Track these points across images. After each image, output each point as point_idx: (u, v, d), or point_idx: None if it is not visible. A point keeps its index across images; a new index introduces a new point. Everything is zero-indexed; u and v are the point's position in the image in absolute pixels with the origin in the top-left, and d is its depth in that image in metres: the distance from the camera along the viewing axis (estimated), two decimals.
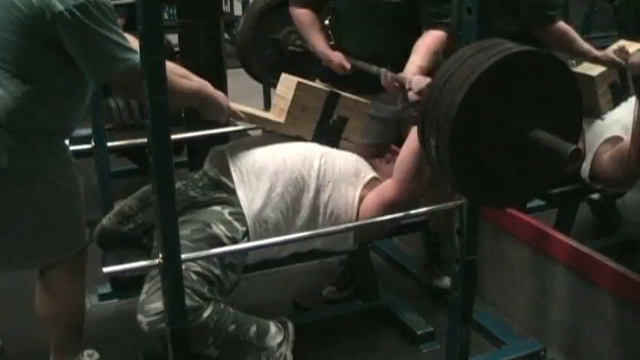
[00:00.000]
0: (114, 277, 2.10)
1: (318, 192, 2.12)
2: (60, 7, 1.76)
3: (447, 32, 2.29)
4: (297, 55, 2.65)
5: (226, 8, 7.68)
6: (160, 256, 1.47)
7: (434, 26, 2.29)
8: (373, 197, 2.16)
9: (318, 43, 2.47)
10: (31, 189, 1.94)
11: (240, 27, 2.70)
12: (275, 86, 2.47)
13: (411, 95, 2.03)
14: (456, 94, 1.39)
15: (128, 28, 2.97)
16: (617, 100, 2.76)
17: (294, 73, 2.37)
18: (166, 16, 6.43)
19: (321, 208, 2.13)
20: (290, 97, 2.20)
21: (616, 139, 2.62)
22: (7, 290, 2.74)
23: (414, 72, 2.17)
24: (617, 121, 2.68)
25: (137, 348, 2.37)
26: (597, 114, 2.73)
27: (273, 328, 2.09)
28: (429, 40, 2.28)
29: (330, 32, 2.69)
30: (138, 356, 2.37)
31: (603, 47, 2.74)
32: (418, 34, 2.31)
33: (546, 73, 1.46)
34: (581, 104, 1.54)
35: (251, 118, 2.24)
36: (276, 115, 2.24)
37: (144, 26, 1.31)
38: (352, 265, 2.81)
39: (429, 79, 1.92)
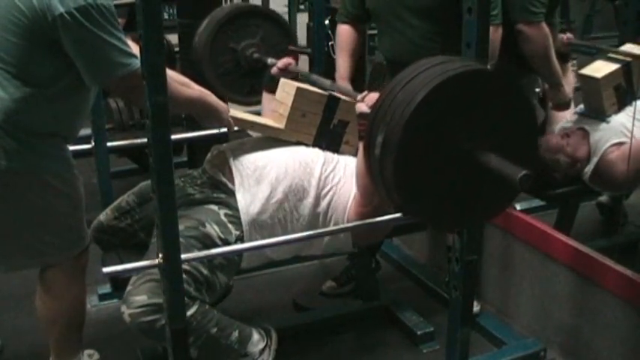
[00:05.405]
0: (114, 277, 2.09)
1: (318, 200, 2.10)
2: (60, 9, 1.75)
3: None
4: (253, 68, 2.58)
5: None
6: (160, 256, 1.47)
7: None
8: (351, 209, 2.13)
9: (340, 68, 2.61)
10: (30, 191, 1.94)
11: (200, 29, 2.64)
12: (222, 95, 2.46)
13: (360, 106, 1.98)
14: (413, 99, 1.36)
15: (128, 28, 2.97)
16: (621, 103, 2.76)
17: (247, 86, 2.38)
18: (166, 16, 6.42)
19: (321, 216, 2.11)
20: (289, 103, 2.18)
21: (623, 144, 2.62)
22: (7, 290, 2.75)
23: None
24: (622, 124, 2.68)
25: (137, 348, 2.37)
26: (601, 116, 2.73)
27: (255, 335, 2.07)
28: None
29: (329, 32, 2.74)
30: (138, 356, 2.37)
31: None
32: (450, 34, 2.26)
33: (501, 94, 1.43)
34: (535, 128, 1.51)
35: (251, 125, 2.22)
36: (276, 120, 2.22)
37: (144, 26, 1.31)
38: (353, 265, 2.81)
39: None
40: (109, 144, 2.91)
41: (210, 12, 2.61)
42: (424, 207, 1.48)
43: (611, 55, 2.83)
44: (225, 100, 2.22)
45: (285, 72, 2.31)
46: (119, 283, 2.04)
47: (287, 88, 2.24)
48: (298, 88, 2.19)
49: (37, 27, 1.79)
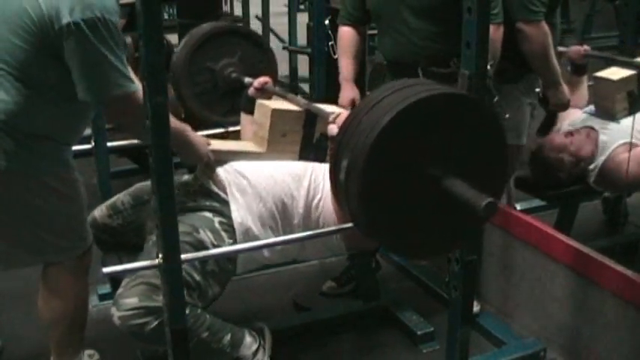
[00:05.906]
0: (114, 277, 2.10)
1: (308, 209, 2.09)
2: (68, 18, 1.75)
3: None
4: (232, 88, 2.57)
5: (226, 8, 7.69)
6: (160, 256, 1.47)
7: None
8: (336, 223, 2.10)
9: (343, 70, 2.59)
10: (29, 192, 1.94)
11: (179, 48, 2.60)
12: (198, 114, 2.45)
13: (332, 128, 1.96)
14: (378, 123, 1.35)
15: (128, 28, 2.97)
16: (632, 109, 2.76)
17: (226, 105, 2.40)
18: (166, 16, 6.43)
19: (312, 224, 2.10)
20: (267, 125, 2.15)
21: (632, 144, 2.63)
22: (7, 290, 2.74)
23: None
24: (629, 126, 2.68)
25: (137, 348, 2.37)
26: (611, 118, 2.74)
27: (247, 338, 2.07)
28: None
29: (329, 32, 2.78)
30: (138, 356, 2.37)
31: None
32: (451, 34, 2.16)
33: (470, 119, 1.42)
34: (506, 153, 1.49)
35: (232, 154, 2.18)
36: (258, 144, 2.20)
37: (144, 26, 1.31)
38: (353, 265, 2.81)
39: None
40: (109, 144, 2.91)
41: (210, 11, 2.62)
42: (389, 233, 1.46)
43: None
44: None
45: (262, 91, 2.28)
46: (119, 283, 2.04)
47: (263, 109, 2.19)
48: (273, 110, 2.15)
49: (44, 34, 1.79)
